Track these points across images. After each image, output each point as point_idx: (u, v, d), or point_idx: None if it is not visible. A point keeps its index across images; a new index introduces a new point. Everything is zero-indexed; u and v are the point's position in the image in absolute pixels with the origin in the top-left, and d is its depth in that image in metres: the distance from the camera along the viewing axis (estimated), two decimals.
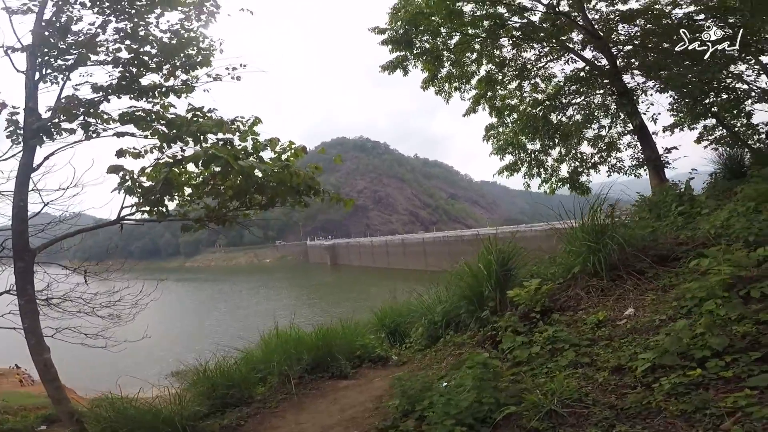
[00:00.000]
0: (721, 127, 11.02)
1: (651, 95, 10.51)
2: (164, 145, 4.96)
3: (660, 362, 2.43)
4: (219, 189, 5.11)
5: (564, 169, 11.84)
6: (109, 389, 4.34)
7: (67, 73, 5.11)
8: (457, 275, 5.39)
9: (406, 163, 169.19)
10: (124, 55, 5.18)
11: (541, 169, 11.80)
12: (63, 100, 4.98)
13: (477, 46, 11.06)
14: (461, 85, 11.47)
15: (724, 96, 10.36)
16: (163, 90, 5.37)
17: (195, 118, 4.94)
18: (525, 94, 11.66)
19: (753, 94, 10.38)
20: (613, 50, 10.10)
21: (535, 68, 11.38)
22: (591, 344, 3.10)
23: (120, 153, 5.00)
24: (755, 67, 9.92)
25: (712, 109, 10.60)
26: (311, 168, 5.18)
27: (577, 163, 11.79)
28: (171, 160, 4.92)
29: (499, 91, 11.66)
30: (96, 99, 5.10)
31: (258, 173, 4.59)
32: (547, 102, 11.15)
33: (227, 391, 4.71)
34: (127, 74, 5.17)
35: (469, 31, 10.56)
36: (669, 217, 4.75)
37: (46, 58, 4.96)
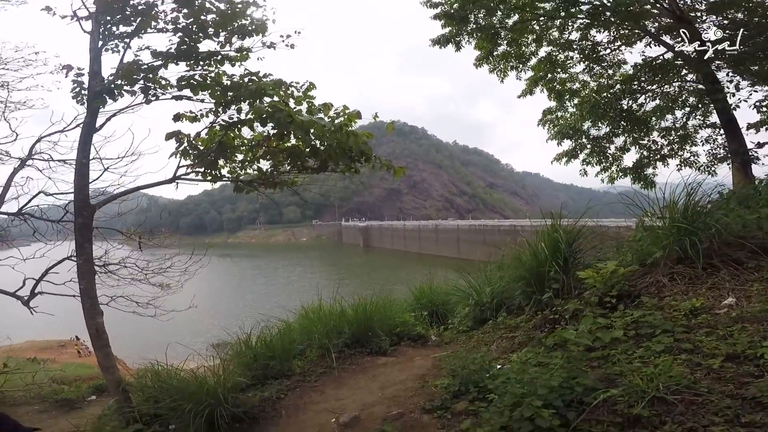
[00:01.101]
0: None
1: (740, 89, 9.48)
2: (219, 109, 4.98)
3: None
4: (273, 151, 5.06)
5: (628, 159, 11.10)
6: (156, 359, 4.37)
7: (127, 41, 5.21)
8: (514, 256, 5.09)
9: (444, 149, 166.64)
10: (182, 23, 5.21)
11: (602, 157, 11.08)
12: (125, 65, 5.07)
13: (537, 27, 10.43)
14: (518, 64, 10.88)
15: None
16: (219, 57, 5.38)
17: (251, 83, 4.90)
18: (590, 79, 10.96)
19: None
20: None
21: (605, 52, 10.59)
22: (687, 331, 2.77)
23: (177, 117, 5.08)
24: None
25: None
26: (363, 134, 5.06)
27: (645, 153, 10.95)
28: (226, 123, 4.94)
29: (560, 74, 11.00)
30: (155, 64, 5.17)
31: (313, 135, 4.49)
32: (619, 86, 10.35)
33: (268, 363, 4.71)
34: (186, 40, 5.21)
35: (527, 14, 9.95)
36: (764, 209, 4.22)
37: (109, 26, 5.07)
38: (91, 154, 5.01)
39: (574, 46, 10.55)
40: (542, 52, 10.79)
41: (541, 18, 10.08)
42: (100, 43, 5.06)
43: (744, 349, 2.34)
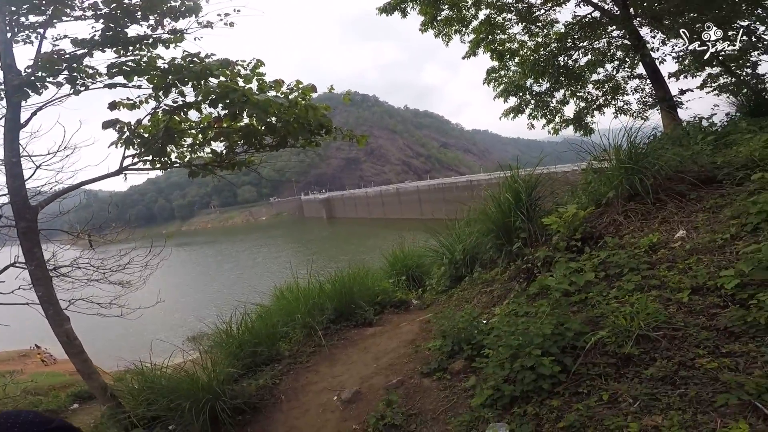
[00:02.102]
0: (725, 75, 10.86)
1: (664, 43, 10.16)
2: (160, 94, 4.63)
3: (750, 278, 2.31)
4: (226, 132, 4.81)
5: (568, 111, 11.76)
6: (134, 360, 4.19)
7: (41, 31, 4.66)
8: (479, 210, 5.22)
9: (397, 115, 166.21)
10: (103, 9, 4.70)
11: (546, 111, 11.69)
12: (44, 55, 4.55)
13: None
14: (460, 27, 11.14)
15: (730, 46, 10.24)
16: (150, 41, 4.94)
17: (192, 64, 4.56)
18: (527, 39, 11.32)
19: (759, 45, 10.23)
20: None
21: (539, 13, 10.91)
22: (651, 267, 2.96)
23: (113, 105, 4.70)
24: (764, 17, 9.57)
25: (719, 57, 10.39)
26: (322, 107, 4.92)
27: (583, 104, 11.64)
28: (170, 108, 4.62)
29: (500, 35, 11.34)
30: (79, 53, 4.68)
31: (270, 113, 4.30)
32: (554, 45, 10.78)
33: (255, 349, 4.64)
34: (111, 26, 4.73)
35: None
36: (696, 146, 4.56)
37: (15, 16, 4.50)
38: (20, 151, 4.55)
39: (511, 8, 10.82)
40: (481, 15, 11.05)
41: None
42: (9, 34, 4.54)
43: (705, 281, 2.55)
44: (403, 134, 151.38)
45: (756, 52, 9.99)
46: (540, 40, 11.13)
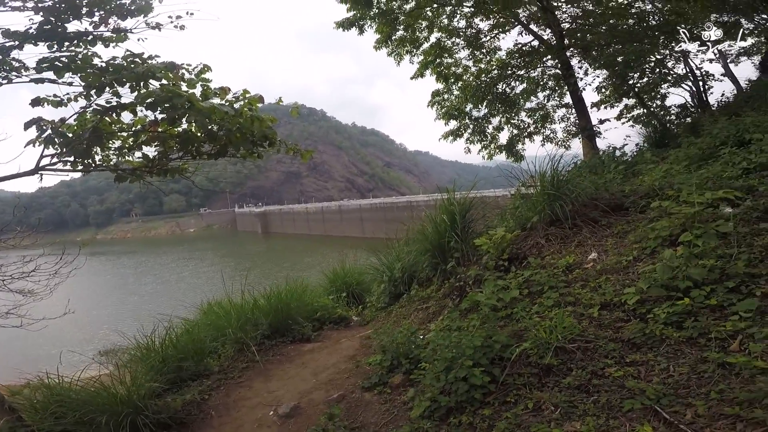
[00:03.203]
0: (639, 107, 12.50)
1: (586, 73, 11.49)
2: (92, 93, 4.32)
3: (648, 295, 2.67)
4: (162, 136, 4.58)
5: (503, 137, 12.76)
6: (37, 374, 3.83)
7: None
8: (418, 230, 5.46)
9: (344, 131, 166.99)
10: (46, 2, 4.34)
11: (482, 136, 12.52)
12: None
13: (430, 14, 11.24)
14: (412, 48, 11.78)
15: (644, 79, 11.89)
16: (90, 38, 4.62)
17: (133, 65, 4.33)
18: (471, 64, 12.21)
19: (669, 78, 11.99)
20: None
21: (485, 38, 11.86)
22: (567, 285, 3.29)
23: (36, 101, 4.30)
24: (676, 53, 11.29)
25: (635, 89, 12.02)
26: (267, 118, 4.88)
27: (516, 131, 12.62)
28: (102, 108, 4.32)
29: (447, 59, 12.08)
30: (8, 44, 4.24)
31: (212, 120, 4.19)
32: (495, 72, 11.69)
33: (180, 364, 4.39)
34: (51, 19, 4.36)
35: (422, 1, 10.72)
36: (608, 174, 5.24)
37: None
38: None
39: (460, 33, 11.60)
40: (433, 38, 11.79)
41: (435, 5, 10.79)
42: None
43: (611, 298, 2.91)
44: (348, 151, 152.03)
45: (665, 85, 11.56)
46: (483, 66, 11.97)
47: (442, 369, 2.65)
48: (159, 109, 4.20)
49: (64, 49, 4.28)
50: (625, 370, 2.31)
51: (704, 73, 11.67)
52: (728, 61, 11.93)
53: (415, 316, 4.58)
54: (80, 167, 4.70)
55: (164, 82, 4.26)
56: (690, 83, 11.94)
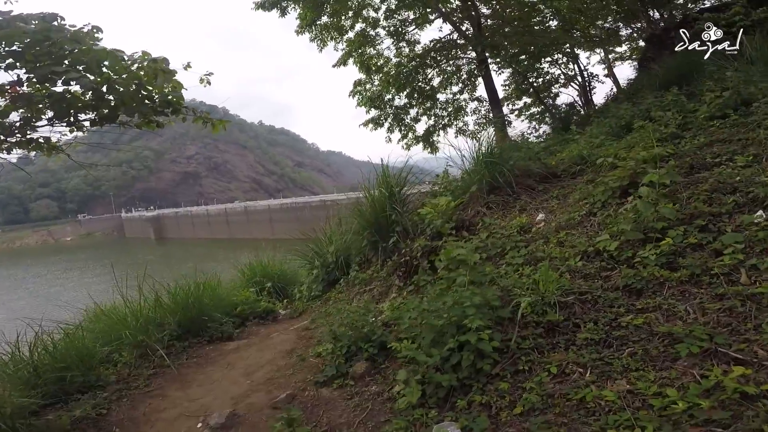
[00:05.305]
0: (537, 104, 13.84)
1: (495, 70, 12.38)
2: None
3: (625, 239, 2.60)
4: (27, 97, 3.49)
5: (420, 128, 13.03)
6: None
7: None
8: (353, 208, 5.08)
9: (249, 130, 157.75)
10: None
11: (402, 126, 12.62)
12: None
13: (356, 3, 10.97)
14: (336, 35, 11.48)
15: (540, 79, 13.20)
16: None
17: None
18: (392, 56, 12.26)
19: (561, 79, 13.52)
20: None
21: (409, 29, 11.95)
22: (527, 244, 3.22)
23: None
24: (569, 55, 12.70)
25: (533, 86, 13.32)
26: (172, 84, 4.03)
27: (432, 123, 12.97)
28: None
29: (370, 49, 11.99)
30: None
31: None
32: (415, 61, 11.87)
33: (62, 375, 3.44)
34: None
35: None
36: (535, 148, 5.53)
37: None
38: None
39: (384, 24, 11.61)
40: (358, 27, 11.57)
41: None
42: None
43: (585, 249, 2.82)
44: (255, 150, 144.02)
45: (557, 85, 12.97)
46: (403, 59, 12.09)
47: (430, 342, 2.24)
48: (25, 68, 3.21)
49: None
50: (645, 317, 2.10)
51: (589, 74, 13.37)
52: (610, 62, 13.89)
53: (357, 300, 4.19)
54: None
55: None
56: (578, 83, 13.59)
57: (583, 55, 14.22)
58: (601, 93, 15.55)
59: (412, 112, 12.80)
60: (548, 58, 12.62)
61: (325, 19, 11.05)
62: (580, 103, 13.40)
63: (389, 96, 12.14)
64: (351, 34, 11.51)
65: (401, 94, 12.03)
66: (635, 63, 12.64)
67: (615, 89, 12.58)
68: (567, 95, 13.96)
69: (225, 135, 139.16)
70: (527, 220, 3.65)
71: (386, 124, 12.37)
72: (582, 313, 2.34)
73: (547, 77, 13.51)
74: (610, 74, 13.47)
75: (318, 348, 3.34)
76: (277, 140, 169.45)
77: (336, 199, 53.16)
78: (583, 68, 13.22)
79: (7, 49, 3.03)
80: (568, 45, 11.78)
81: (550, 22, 11.21)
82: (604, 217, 3.09)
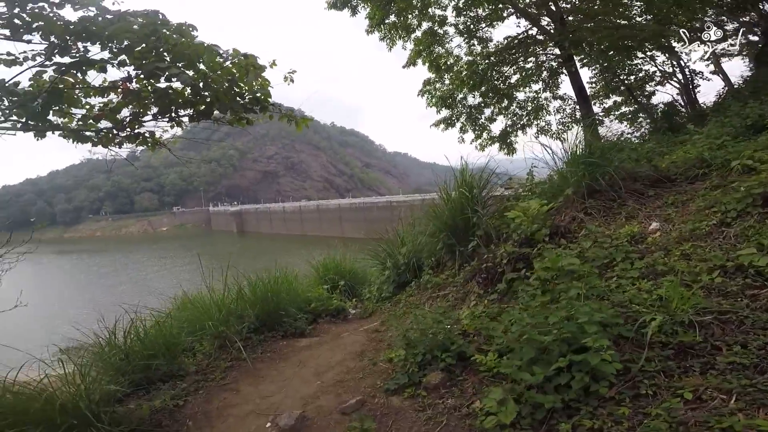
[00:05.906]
0: (630, 103, 12.54)
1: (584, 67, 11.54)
2: (55, 52, 3.53)
3: None
4: (134, 92, 3.79)
5: (495, 128, 12.46)
6: None
7: None
8: (426, 210, 4.89)
9: (322, 131, 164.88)
10: None
11: (475, 126, 12.14)
12: None
13: (418, 2, 10.81)
14: (404, 35, 11.35)
15: (633, 77, 12.07)
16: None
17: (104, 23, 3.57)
18: (464, 54, 11.86)
19: (656, 76, 12.14)
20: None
21: (481, 26, 11.51)
22: (642, 256, 2.83)
23: None
24: (665, 54, 11.37)
25: (625, 84, 12.08)
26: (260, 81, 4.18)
27: (509, 122, 12.29)
28: (64, 66, 3.52)
29: (439, 48, 11.69)
30: None
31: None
32: (490, 59, 11.41)
33: (149, 363, 3.62)
34: None
35: None
36: (647, 145, 4.91)
37: None
38: None
39: (453, 22, 11.30)
40: (425, 25, 11.34)
41: None
42: None
43: (723, 263, 2.40)
44: (327, 151, 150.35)
45: (652, 83, 11.84)
46: (476, 57, 11.65)
47: (529, 358, 1.99)
48: (134, 65, 3.49)
49: (28, 9, 3.47)
50: None
51: (692, 71, 11.80)
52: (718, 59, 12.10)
53: (429, 304, 3.99)
54: (31, 129, 3.89)
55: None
56: (678, 81, 12.06)
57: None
58: (704, 91, 13.71)
59: (487, 111, 12.27)
60: (641, 54, 11.40)
61: (392, 18, 10.99)
62: (681, 102, 11.93)
63: (461, 95, 11.73)
64: (418, 33, 11.31)
65: (475, 93, 11.57)
66: (745, 59, 10.98)
67: (726, 87, 11.00)
68: (664, 94, 12.53)
69: (301, 136, 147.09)
70: (639, 228, 3.19)
71: (458, 124, 11.98)
72: (723, 334, 2.01)
73: (641, 74, 12.24)
74: (719, 70, 11.76)
75: (389, 353, 3.21)
76: (347, 141, 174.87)
77: (402, 200, 53.46)
78: (684, 65, 11.74)
79: (118, 46, 3.31)
80: (664, 40, 10.51)
81: (639, 18, 10.09)
82: (743, 228, 2.61)
